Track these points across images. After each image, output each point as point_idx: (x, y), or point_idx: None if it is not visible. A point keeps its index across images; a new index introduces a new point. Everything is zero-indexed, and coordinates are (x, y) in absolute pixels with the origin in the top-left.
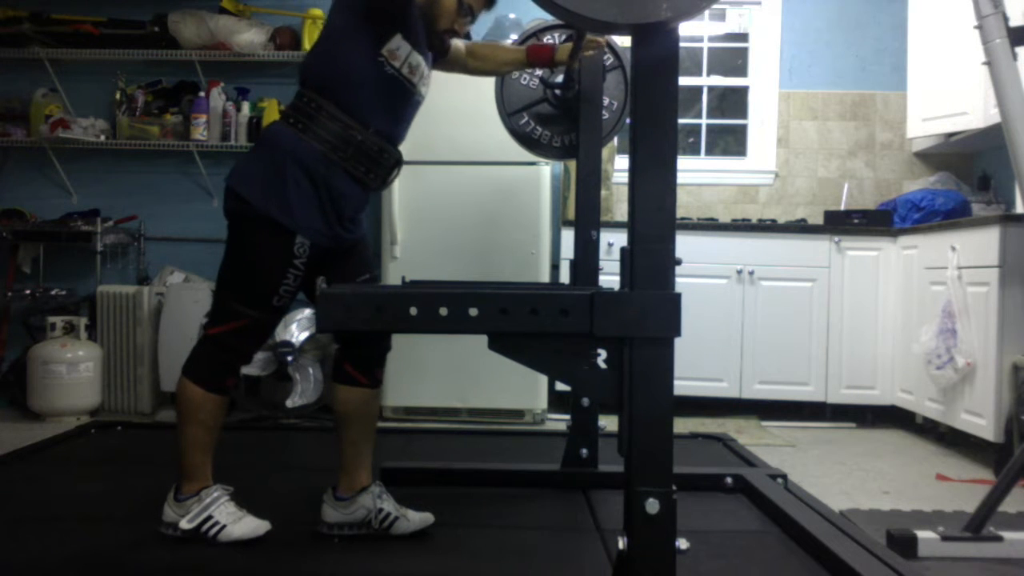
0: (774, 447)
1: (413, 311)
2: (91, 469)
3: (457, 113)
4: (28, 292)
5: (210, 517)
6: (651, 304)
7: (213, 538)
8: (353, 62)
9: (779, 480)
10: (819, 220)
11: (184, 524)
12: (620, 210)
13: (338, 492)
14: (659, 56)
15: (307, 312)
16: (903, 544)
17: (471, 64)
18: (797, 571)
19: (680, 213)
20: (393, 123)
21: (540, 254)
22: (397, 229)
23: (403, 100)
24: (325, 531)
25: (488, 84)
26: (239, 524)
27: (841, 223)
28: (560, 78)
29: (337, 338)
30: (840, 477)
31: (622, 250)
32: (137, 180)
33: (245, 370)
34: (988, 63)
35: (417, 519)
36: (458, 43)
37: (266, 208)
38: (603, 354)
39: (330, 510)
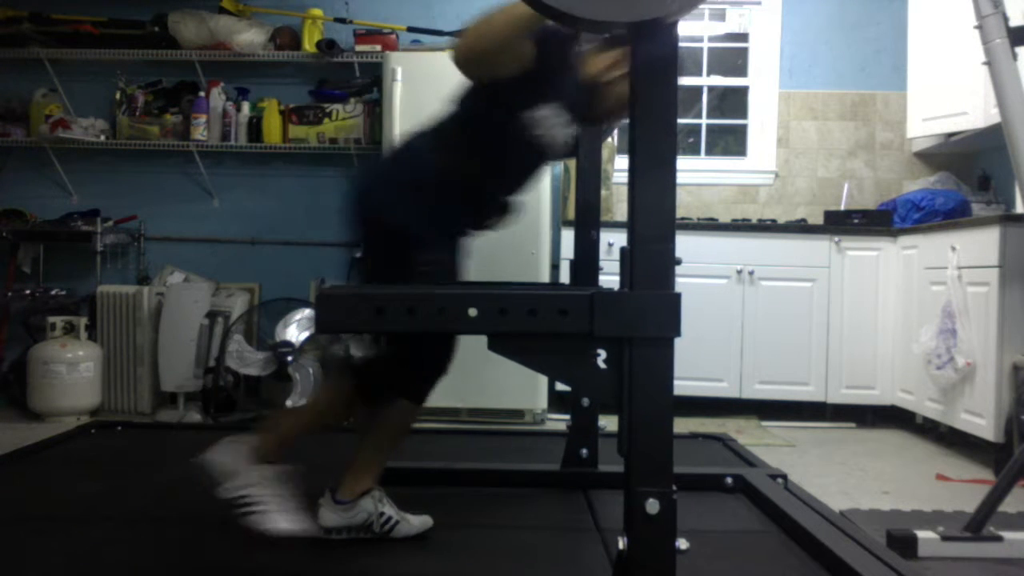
0: (774, 447)
1: (414, 311)
2: (91, 469)
3: None
4: (28, 292)
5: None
6: (651, 304)
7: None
8: (497, 119)
9: (779, 480)
10: (819, 220)
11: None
12: (620, 210)
13: (338, 495)
14: (659, 54)
15: (307, 312)
16: (903, 544)
17: None
18: (797, 571)
19: (680, 213)
20: (521, 180)
21: (540, 254)
22: None
23: (537, 164)
24: (323, 535)
25: None
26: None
27: (841, 223)
28: None
29: (406, 352)
30: (840, 477)
31: (622, 250)
32: (137, 180)
33: (245, 370)
34: (988, 63)
35: (417, 523)
36: None
37: (402, 221)
38: (603, 354)
39: (329, 514)
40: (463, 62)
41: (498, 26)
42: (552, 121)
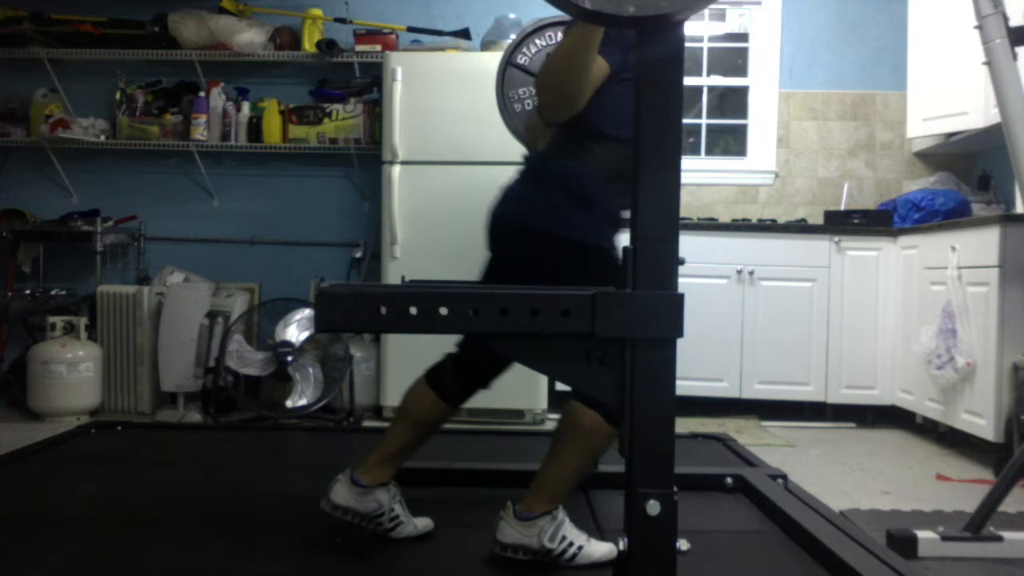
0: (774, 447)
1: (413, 311)
2: (91, 469)
3: (457, 113)
4: (28, 292)
5: (564, 537)
6: (654, 304)
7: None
8: (624, 103)
9: (779, 480)
10: (819, 220)
11: (547, 543)
12: None
13: (358, 477)
14: (664, 53)
15: (307, 312)
16: (903, 544)
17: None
18: (797, 571)
19: (680, 213)
20: None
21: None
22: (397, 229)
23: None
24: (329, 510)
25: (488, 85)
26: (592, 545)
27: (841, 223)
28: None
29: (463, 352)
30: (840, 477)
31: (624, 249)
32: (137, 180)
33: (245, 370)
34: (988, 63)
35: (421, 525)
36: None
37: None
38: (605, 354)
39: (344, 491)
40: (551, 118)
41: (558, 76)
42: None
